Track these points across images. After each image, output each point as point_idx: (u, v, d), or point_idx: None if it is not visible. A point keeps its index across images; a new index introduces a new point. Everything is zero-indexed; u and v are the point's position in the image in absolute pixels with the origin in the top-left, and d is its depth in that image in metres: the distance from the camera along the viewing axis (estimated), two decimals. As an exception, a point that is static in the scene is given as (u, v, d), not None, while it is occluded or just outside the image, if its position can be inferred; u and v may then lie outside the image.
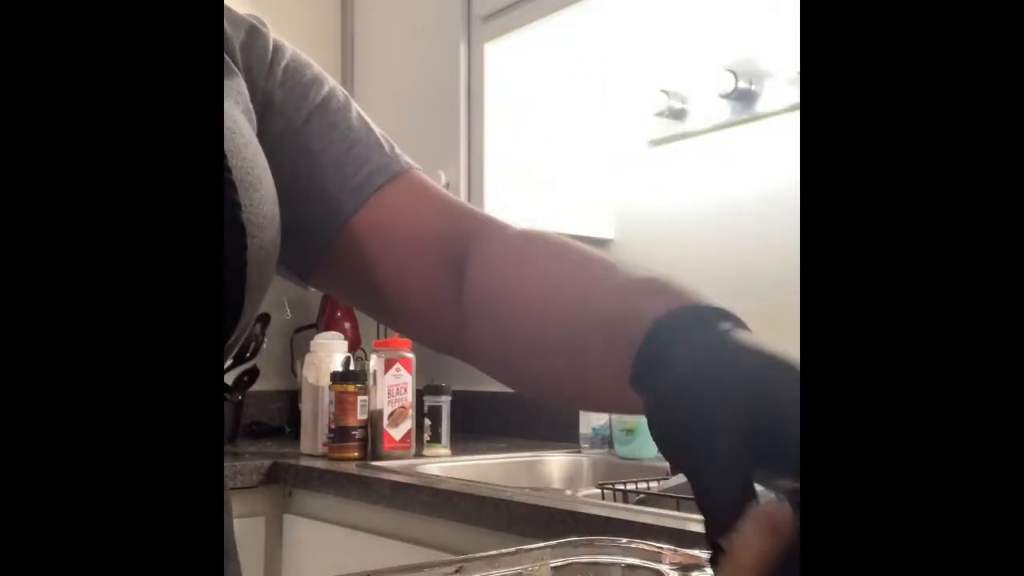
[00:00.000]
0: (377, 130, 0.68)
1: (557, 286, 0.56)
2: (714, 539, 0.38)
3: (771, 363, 0.40)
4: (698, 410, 0.40)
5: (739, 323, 0.44)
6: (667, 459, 0.40)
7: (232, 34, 0.64)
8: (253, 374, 2.16)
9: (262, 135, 0.62)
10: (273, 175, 0.59)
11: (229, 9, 0.64)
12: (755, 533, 0.37)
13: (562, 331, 0.55)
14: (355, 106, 0.68)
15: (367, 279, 0.65)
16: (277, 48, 0.66)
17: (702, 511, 0.39)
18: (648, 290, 0.49)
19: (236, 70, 0.63)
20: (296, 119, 0.64)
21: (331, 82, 0.68)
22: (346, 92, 0.69)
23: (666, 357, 0.43)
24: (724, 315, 0.44)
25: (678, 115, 1.78)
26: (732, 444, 0.39)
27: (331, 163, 0.64)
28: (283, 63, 0.66)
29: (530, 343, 0.58)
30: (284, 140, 0.64)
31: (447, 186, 1.84)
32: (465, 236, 0.64)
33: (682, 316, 0.44)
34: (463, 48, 1.84)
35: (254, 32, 0.65)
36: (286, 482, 1.72)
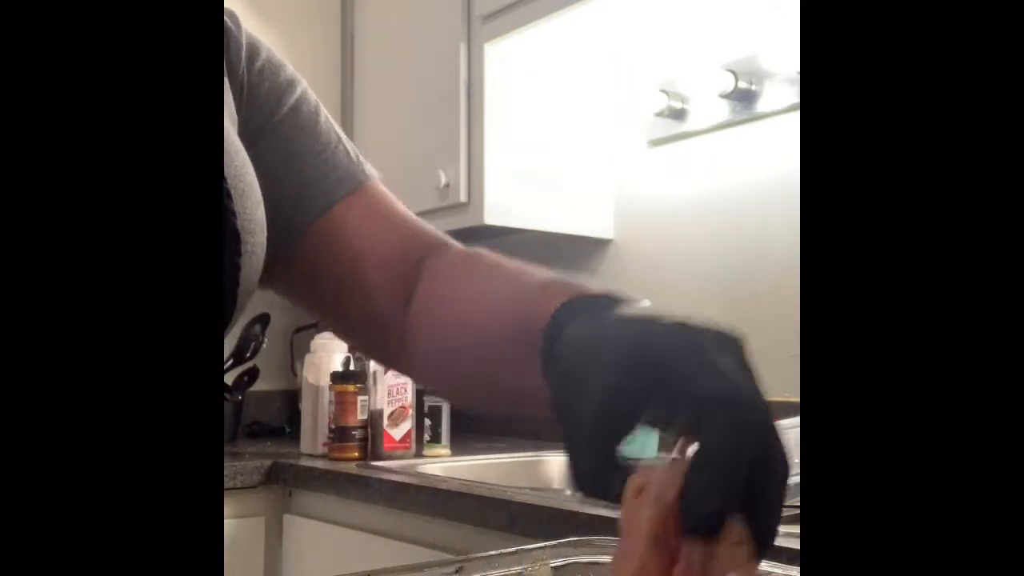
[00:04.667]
0: (344, 137, 0.69)
1: (476, 299, 0.59)
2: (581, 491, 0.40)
3: (650, 321, 0.42)
4: (576, 381, 0.42)
5: (614, 301, 0.47)
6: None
7: None
8: (253, 374, 2.16)
9: (239, 133, 0.63)
10: None
11: None
12: (637, 506, 0.38)
13: (478, 337, 0.58)
14: (323, 111, 0.69)
15: (322, 285, 0.67)
16: (253, 46, 0.66)
17: (569, 478, 0.41)
18: (549, 290, 0.51)
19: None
20: (271, 120, 0.65)
21: (303, 84, 0.68)
22: (316, 96, 0.70)
23: (560, 343, 0.45)
24: (614, 298, 0.47)
25: (678, 115, 1.78)
26: (597, 413, 0.40)
27: (301, 167, 0.65)
28: (259, 63, 0.66)
29: (452, 349, 0.61)
30: (258, 139, 0.64)
31: (447, 186, 1.84)
32: (417, 255, 0.66)
33: (574, 304, 0.47)
34: (463, 48, 1.84)
35: (230, 31, 0.65)
36: (286, 482, 1.72)
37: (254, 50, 0.66)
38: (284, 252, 0.65)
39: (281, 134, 0.65)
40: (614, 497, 0.39)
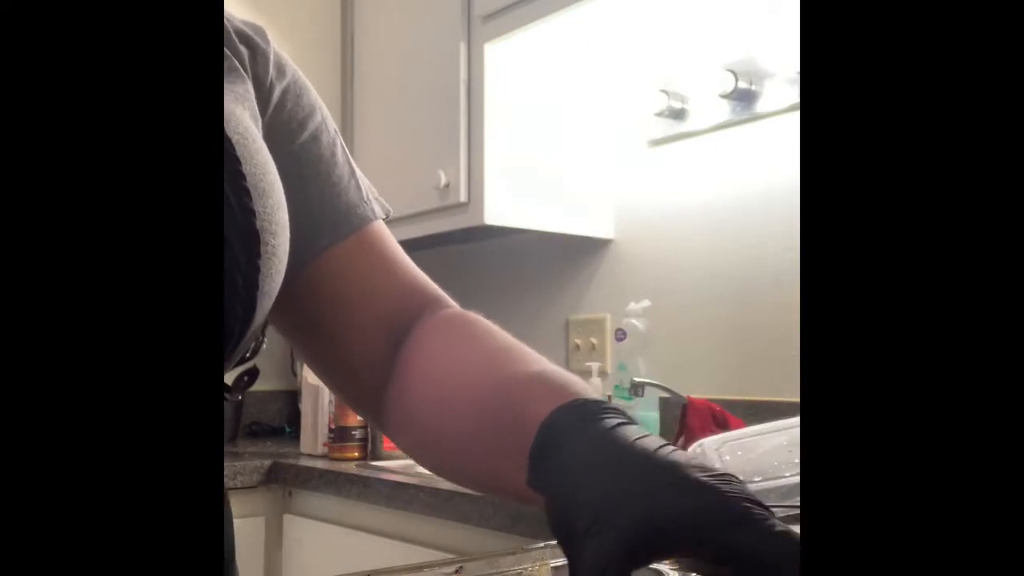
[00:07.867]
0: (357, 171, 0.68)
1: (459, 379, 0.57)
2: None
3: (649, 457, 0.41)
4: (581, 508, 0.41)
5: (618, 415, 0.45)
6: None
7: (239, 44, 0.62)
8: (253, 374, 2.17)
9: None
10: None
11: (233, 18, 0.63)
12: None
13: (465, 421, 0.56)
14: (340, 141, 0.68)
15: (312, 325, 0.65)
16: (280, 64, 0.65)
17: None
18: (539, 389, 0.50)
19: (245, 76, 0.62)
20: (291, 142, 0.64)
21: (324, 111, 0.67)
22: (335, 125, 0.68)
23: (554, 459, 0.45)
24: (604, 410, 0.46)
25: (678, 115, 1.78)
26: (612, 541, 0.39)
27: (313, 195, 0.63)
28: (285, 82, 0.65)
29: (431, 427, 0.59)
30: (277, 160, 0.62)
31: (447, 186, 1.84)
32: (413, 310, 0.65)
33: (566, 416, 0.46)
34: (463, 48, 1.84)
35: (258, 46, 0.64)
36: (286, 482, 1.72)
37: (281, 68, 0.65)
38: (287, 278, 0.62)
39: (297, 160, 0.63)
40: None
